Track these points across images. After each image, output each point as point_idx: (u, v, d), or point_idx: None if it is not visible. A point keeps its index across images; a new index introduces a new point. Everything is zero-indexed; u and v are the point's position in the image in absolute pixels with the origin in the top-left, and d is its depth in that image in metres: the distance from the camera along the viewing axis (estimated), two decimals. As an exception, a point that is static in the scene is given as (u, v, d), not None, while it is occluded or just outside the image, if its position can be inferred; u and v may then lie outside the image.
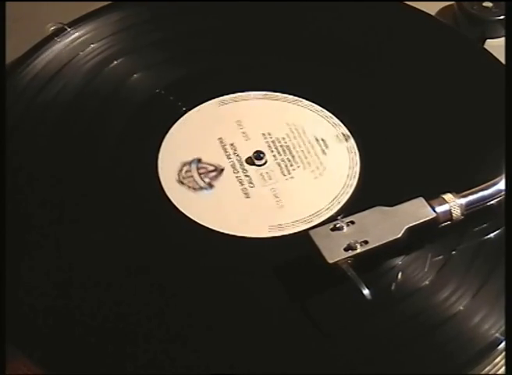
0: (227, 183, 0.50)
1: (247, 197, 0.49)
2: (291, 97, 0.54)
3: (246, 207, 0.48)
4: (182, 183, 0.50)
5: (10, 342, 0.42)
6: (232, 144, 0.51)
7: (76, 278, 0.45)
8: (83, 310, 0.44)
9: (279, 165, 0.50)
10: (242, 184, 0.49)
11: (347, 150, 0.51)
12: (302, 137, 0.52)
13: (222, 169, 0.50)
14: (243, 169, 0.50)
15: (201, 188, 0.49)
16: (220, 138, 0.52)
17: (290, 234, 0.47)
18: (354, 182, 0.50)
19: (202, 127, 0.52)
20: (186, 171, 0.50)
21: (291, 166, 0.50)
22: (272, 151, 0.51)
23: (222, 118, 0.53)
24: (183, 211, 0.48)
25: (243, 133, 0.52)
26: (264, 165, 0.50)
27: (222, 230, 0.47)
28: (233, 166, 0.50)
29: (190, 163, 0.51)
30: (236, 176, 0.50)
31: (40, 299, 0.44)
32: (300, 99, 0.54)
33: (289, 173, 0.50)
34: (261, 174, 0.50)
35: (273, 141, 0.52)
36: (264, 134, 0.52)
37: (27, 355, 0.43)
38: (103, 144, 0.51)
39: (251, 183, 0.50)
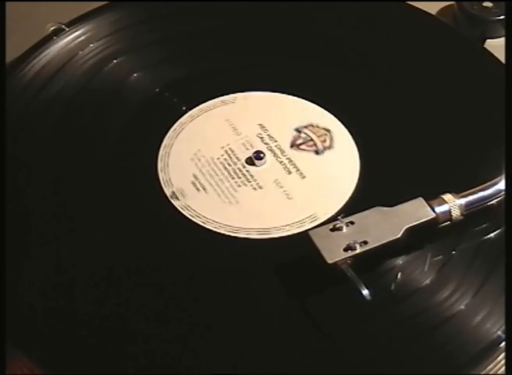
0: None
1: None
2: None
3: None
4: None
5: (10, 342, 0.42)
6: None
7: (76, 278, 0.45)
8: (83, 310, 0.44)
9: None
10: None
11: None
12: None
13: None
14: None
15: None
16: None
17: (290, 235, 0.47)
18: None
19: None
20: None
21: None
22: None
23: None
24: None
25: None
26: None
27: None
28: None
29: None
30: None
31: (40, 299, 0.44)
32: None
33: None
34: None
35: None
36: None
37: (27, 355, 0.43)
38: (103, 143, 0.51)
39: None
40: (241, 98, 0.54)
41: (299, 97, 0.54)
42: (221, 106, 0.53)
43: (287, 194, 0.49)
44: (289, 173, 0.50)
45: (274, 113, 0.53)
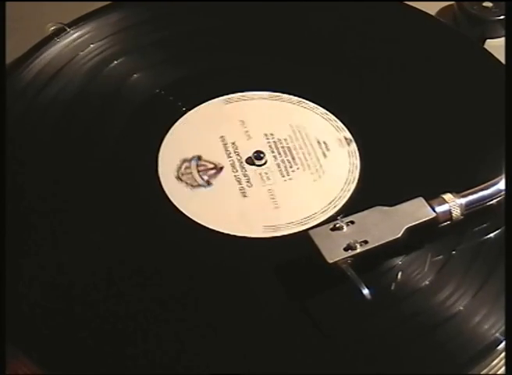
0: (225, 181, 0.50)
1: (244, 196, 0.49)
2: (294, 98, 0.54)
3: (242, 206, 0.48)
4: (180, 179, 0.50)
5: (10, 342, 0.42)
6: (233, 144, 0.51)
7: (75, 278, 0.45)
8: (82, 310, 0.44)
9: (279, 166, 0.50)
10: (240, 183, 0.49)
11: (348, 154, 0.51)
12: (304, 139, 0.52)
13: (222, 168, 0.50)
14: (243, 169, 0.50)
15: (199, 185, 0.49)
16: (222, 137, 0.52)
17: (289, 235, 0.47)
18: (353, 186, 0.49)
19: (204, 126, 0.52)
20: (186, 168, 0.50)
21: (291, 167, 0.50)
22: (273, 152, 0.51)
23: (223, 117, 0.53)
24: (182, 211, 0.48)
25: (245, 132, 0.52)
26: (263, 165, 0.50)
27: (219, 229, 0.47)
28: (233, 165, 0.50)
29: (190, 160, 0.51)
30: (235, 175, 0.50)
31: (40, 299, 0.44)
32: (300, 99, 0.54)
33: (288, 175, 0.50)
34: (260, 174, 0.50)
35: (274, 142, 0.52)
36: (266, 135, 0.52)
37: (27, 355, 0.43)
38: (103, 143, 0.51)
39: (249, 182, 0.50)
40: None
41: (299, 97, 0.54)
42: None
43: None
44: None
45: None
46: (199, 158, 0.51)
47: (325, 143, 0.52)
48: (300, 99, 0.54)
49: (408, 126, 0.52)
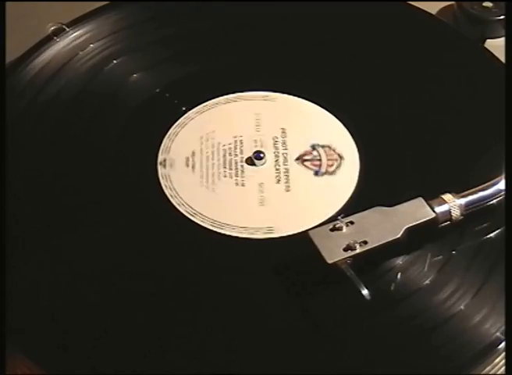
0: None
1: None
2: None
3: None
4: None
5: (10, 342, 0.42)
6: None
7: (75, 278, 0.45)
8: (82, 310, 0.44)
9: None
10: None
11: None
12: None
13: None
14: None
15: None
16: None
17: (289, 235, 0.47)
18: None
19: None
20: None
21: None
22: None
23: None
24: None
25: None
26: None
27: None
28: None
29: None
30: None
31: (40, 299, 0.44)
32: (299, 99, 0.54)
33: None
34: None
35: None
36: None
37: (27, 355, 0.43)
38: (103, 143, 0.51)
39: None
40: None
41: (299, 97, 0.53)
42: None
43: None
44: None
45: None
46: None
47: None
48: (300, 99, 0.53)
49: (408, 127, 0.52)
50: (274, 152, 0.51)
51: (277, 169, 0.50)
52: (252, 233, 0.47)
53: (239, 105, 0.53)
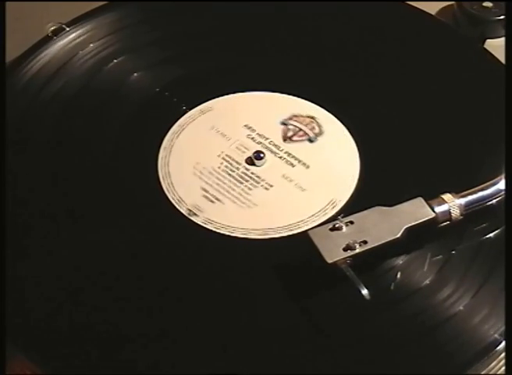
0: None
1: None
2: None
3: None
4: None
5: (10, 342, 0.42)
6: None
7: (75, 278, 0.45)
8: (83, 310, 0.44)
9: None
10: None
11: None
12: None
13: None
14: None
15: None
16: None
17: (289, 235, 0.47)
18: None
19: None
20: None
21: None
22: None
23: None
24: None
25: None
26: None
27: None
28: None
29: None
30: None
31: (40, 299, 0.44)
32: (299, 99, 0.54)
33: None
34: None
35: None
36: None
37: (27, 355, 0.43)
38: (103, 143, 0.51)
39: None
40: (219, 102, 0.53)
41: (299, 97, 0.54)
42: (222, 105, 0.53)
43: (300, 187, 0.49)
44: (293, 165, 0.50)
45: (255, 112, 0.53)
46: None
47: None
48: (300, 99, 0.54)
49: (408, 127, 0.52)
50: (262, 146, 0.51)
51: (280, 157, 0.50)
52: (248, 234, 0.47)
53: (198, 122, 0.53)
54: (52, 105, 0.53)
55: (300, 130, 0.52)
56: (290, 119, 0.52)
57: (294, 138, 0.51)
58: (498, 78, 0.52)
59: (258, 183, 0.49)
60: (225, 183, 0.49)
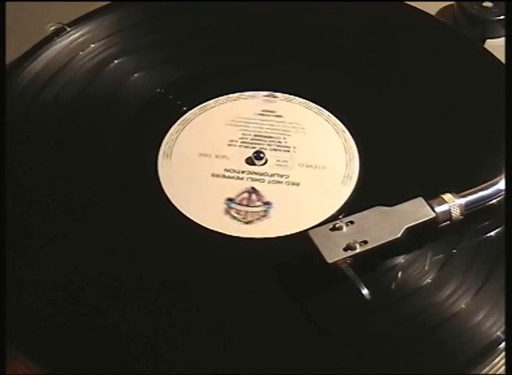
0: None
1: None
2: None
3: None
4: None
5: (10, 342, 0.42)
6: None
7: (76, 278, 0.45)
8: (83, 310, 0.44)
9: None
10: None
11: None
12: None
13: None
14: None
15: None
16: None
17: (289, 235, 0.47)
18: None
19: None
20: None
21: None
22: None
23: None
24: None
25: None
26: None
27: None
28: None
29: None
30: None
31: (40, 299, 0.44)
32: (300, 99, 0.54)
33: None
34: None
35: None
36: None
37: (27, 355, 0.43)
38: (103, 143, 0.51)
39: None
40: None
41: (299, 97, 0.54)
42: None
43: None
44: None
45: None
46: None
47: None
48: (299, 99, 0.54)
49: (408, 126, 0.52)
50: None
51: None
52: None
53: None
54: (53, 105, 0.53)
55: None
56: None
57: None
58: (498, 78, 0.52)
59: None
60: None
